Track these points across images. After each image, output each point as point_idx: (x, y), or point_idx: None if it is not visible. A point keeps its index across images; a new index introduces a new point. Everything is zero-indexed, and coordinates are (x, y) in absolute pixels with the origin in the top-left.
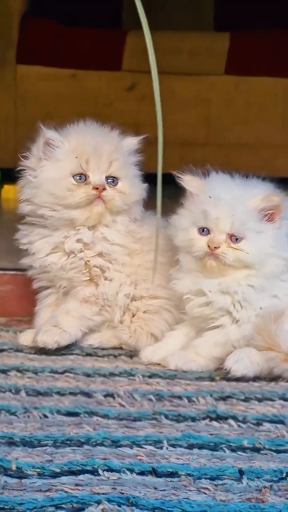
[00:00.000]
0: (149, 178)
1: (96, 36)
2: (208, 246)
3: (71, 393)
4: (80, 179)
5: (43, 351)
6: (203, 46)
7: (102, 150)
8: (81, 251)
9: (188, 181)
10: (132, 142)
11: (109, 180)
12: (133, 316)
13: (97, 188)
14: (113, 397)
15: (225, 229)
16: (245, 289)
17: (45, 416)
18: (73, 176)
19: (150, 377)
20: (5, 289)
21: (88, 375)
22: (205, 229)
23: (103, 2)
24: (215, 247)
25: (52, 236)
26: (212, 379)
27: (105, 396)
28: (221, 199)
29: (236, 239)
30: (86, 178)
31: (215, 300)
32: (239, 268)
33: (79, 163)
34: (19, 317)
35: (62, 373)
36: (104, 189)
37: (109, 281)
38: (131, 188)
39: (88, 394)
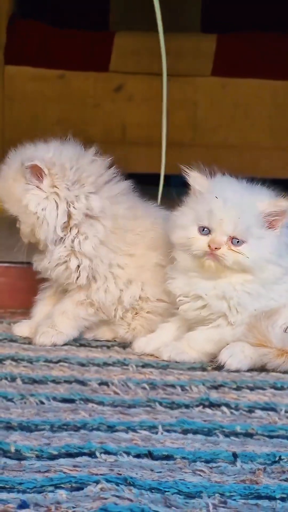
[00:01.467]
0: (140, 177)
1: (84, 37)
2: (209, 246)
3: (66, 381)
4: (203, 230)
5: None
6: (190, 47)
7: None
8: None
9: (195, 178)
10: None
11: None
12: (136, 314)
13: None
14: (108, 385)
15: (228, 231)
16: (241, 294)
17: (41, 403)
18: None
19: (143, 366)
20: None
21: (82, 365)
22: (205, 229)
23: (91, 4)
24: (215, 248)
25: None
26: (204, 369)
27: (100, 384)
28: (228, 201)
29: (237, 242)
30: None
31: (212, 304)
32: (236, 271)
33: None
34: (12, 309)
35: (56, 362)
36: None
37: (104, 288)
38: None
39: (82, 382)
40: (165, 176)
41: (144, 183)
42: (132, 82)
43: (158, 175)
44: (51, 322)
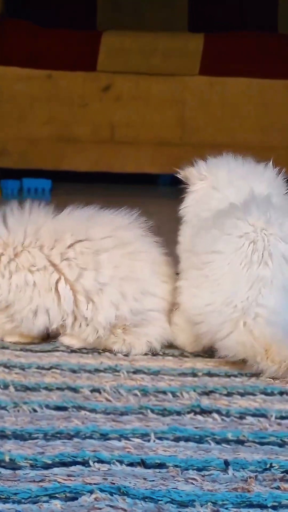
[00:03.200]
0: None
1: (71, 37)
2: None
3: (58, 388)
4: None
5: (28, 348)
6: (178, 47)
7: None
8: None
9: None
10: None
11: None
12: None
13: None
14: (99, 392)
15: None
16: None
17: (35, 411)
18: None
19: (134, 373)
20: None
21: (74, 371)
22: None
23: (78, 4)
24: None
25: None
26: (195, 374)
27: (92, 391)
28: None
29: None
30: None
31: None
32: None
33: None
34: None
35: (48, 369)
36: None
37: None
38: None
39: (75, 389)
40: (154, 175)
41: (132, 183)
42: (120, 81)
43: (147, 174)
44: None
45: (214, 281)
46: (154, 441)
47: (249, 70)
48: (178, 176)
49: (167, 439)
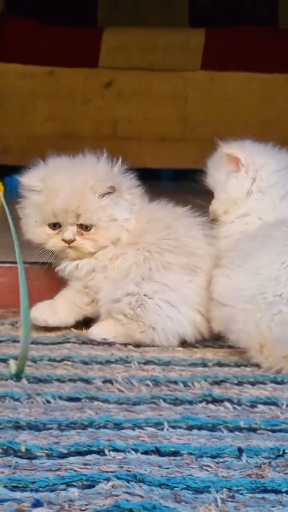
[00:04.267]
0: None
1: (73, 33)
2: None
3: (70, 380)
4: (55, 226)
5: (39, 341)
6: (179, 42)
7: (66, 208)
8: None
9: None
10: (106, 184)
11: (82, 226)
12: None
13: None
14: (112, 383)
15: None
16: None
17: (48, 402)
18: (48, 225)
19: (145, 363)
20: (1, 281)
21: (85, 363)
22: None
23: (79, 1)
24: None
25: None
26: (205, 365)
27: (104, 382)
28: None
29: None
30: (60, 225)
31: None
32: None
33: (47, 215)
34: (14, 308)
35: (60, 361)
36: (73, 240)
37: (94, 280)
38: (105, 232)
39: (87, 381)
40: (156, 170)
41: (135, 178)
42: (122, 77)
43: (149, 170)
44: (52, 303)
45: (252, 270)
46: (168, 429)
47: (251, 65)
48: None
49: (180, 427)
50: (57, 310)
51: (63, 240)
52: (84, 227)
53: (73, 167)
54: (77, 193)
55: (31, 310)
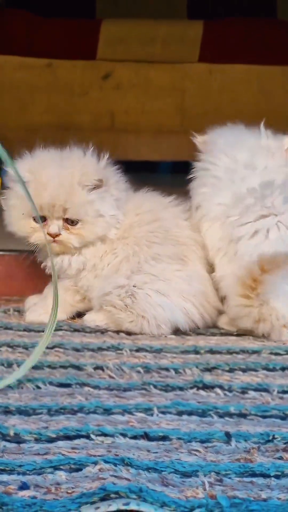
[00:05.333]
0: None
1: (71, 25)
2: None
3: (61, 366)
4: (40, 219)
5: (31, 328)
6: (177, 34)
7: (54, 202)
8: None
9: None
10: (94, 178)
11: (68, 221)
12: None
13: (50, 234)
14: (103, 370)
15: None
16: None
17: (38, 387)
18: (33, 218)
19: (137, 351)
20: None
21: (77, 350)
22: None
23: None
24: None
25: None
26: (197, 352)
27: (95, 368)
28: None
29: None
30: (46, 219)
31: None
32: None
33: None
34: (7, 296)
35: (51, 348)
36: (59, 234)
37: (84, 279)
38: (91, 227)
39: (78, 367)
40: (154, 163)
41: (133, 171)
42: (120, 69)
43: (147, 162)
44: (44, 304)
45: None
46: (157, 415)
47: (249, 57)
48: None
49: (170, 413)
50: (50, 310)
51: (48, 234)
52: (70, 222)
53: (60, 160)
54: (64, 187)
55: (26, 314)
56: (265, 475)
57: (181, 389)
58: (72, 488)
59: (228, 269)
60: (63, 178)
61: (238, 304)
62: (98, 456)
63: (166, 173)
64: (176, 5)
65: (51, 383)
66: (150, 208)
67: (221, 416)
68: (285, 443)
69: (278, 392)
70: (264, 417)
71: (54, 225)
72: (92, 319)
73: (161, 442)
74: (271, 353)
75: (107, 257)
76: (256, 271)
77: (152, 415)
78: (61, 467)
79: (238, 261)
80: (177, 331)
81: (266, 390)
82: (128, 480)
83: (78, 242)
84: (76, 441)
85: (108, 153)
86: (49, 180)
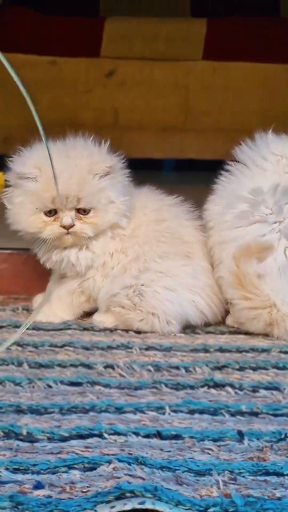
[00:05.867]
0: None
1: (75, 23)
2: None
3: (72, 365)
4: (50, 213)
5: (40, 327)
6: (181, 32)
7: (68, 190)
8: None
9: None
10: (105, 166)
11: (80, 211)
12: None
13: (65, 226)
14: (113, 368)
15: None
16: None
17: (49, 386)
18: (44, 212)
19: (146, 349)
20: (2, 267)
21: (87, 348)
22: None
23: None
24: None
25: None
26: (206, 350)
27: (105, 367)
28: None
29: None
30: (56, 212)
31: None
32: None
33: (46, 202)
34: (15, 295)
35: (61, 347)
36: (73, 225)
37: (91, 279)
38: (104, 215)
39: (88, 366)
40: (158, 160)
41: (137, 168)
42: (124, 67)
43: (151, 160)
44: (50, 306)
45: None
46: (169, 413)
47: (252, 55)
48: None
49: (181, 411)
50: (57, 313)
51: (62, 226)
52: (83, 211)
53: (65, 151)
54: (76, 177)
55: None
56: (278, 474)
57: (192, 387)
58: (87, 487)
59: (221, 272)
60: (72, 169)
61: (242, 307)
62: (112, 455)
63: (169, 170)
64: (180, 3)
65: (62, 382)
66: (155, 207)
67: (232, 414)
68: None
69: None
70: (276, 415)
71: (68, 217)
72: (100, 320)
73: (173, 441)
74: (280, 352)
75: (118, 256)
76: (233, 267)
77: (164, 413)
78: (75, 466)
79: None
80: (186, 329)
81: (277, 388)
82: (143, 479)
83: (92, 231)
84: (89, 440)
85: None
86: (59, 173)
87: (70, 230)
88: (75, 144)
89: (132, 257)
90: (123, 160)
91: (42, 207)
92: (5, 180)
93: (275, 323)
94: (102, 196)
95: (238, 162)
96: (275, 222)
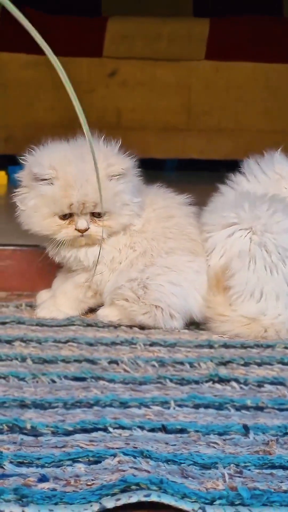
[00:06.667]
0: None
1: (77, 23)
2: None
3: (76, 361)
4: (65, 216)
5: (44, 323)
6: (183, 32)
7: (86, 197)
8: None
9: None
10: (120, 168)
11: (95, 214)
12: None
13: (80, 230)
14: (117, 364)
15: None
16: None
17: (53, 381)
18: (58, 216)
19: (151, 345)
20: (5, 264)
21: (90, 344)
22: None
23: None
24: None
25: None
26: (211, 346)
27: (109, 362)
28: None
29: None
30: (72, 215)
31: None
32: None
33: (63, 207)
34: (19, 291)
35: (65, 342)
36: (87, 228)
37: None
38: (118, 218)
39: (92, 361)
40: (160, 160)
41: (139, 168)
42: (126, 67)
43: (153, 160)
44: (53, 301)
45: None
46: (174, 408)
47: (255, 55)
48: None
49: (186, 406)
50: (61, 308)
51: (77, 230)
52: (97, 214)
53: (80, 154)
54: (93, 184)
55: (37, 310)
56: (284, 467)
57: (196, 382)
58: (92, 480)
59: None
60: (89, 174)
61: (234, 327)
62: (117, 448)
63: (171, 170)
64: (182, 3)
65: (66, 377)
66: (165, 204)
67: (237, 409)
68: None
69: None
70: (281, 410)
71: (83, 220)
72: (105, 314)
73: (179, 435)
74: (285, 347)
75: (127, 251)
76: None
77: (168, 408)
78: (80, 459)
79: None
80: (190, 325)
81: (282, 383)
82: (148, 472)
83: (106, 234)
84: (94, 434)
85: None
86: (76, 179)
87: (84, 233)
88: (87, 145)
89: (139, 252)
90: (135, 160)
91: (58, 212)
92: (18, 180)
93: (267, 330)
94: (117, 200)
95: (241, 173)
96: (247, 229)
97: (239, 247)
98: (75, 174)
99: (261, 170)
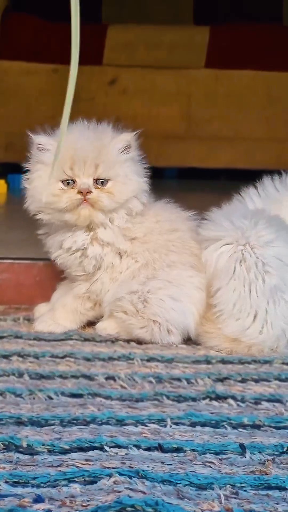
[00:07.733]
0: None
1: None
2: None
3: (73, 376)
4: (68, 183)
5: (41, 337)
6: (183, 39)
7: (86, 155)
8: (77, 251)
9: None
10: (124, 139)
11: (98, 182)
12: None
13: (82, 192)
14: (114, 380)
15: None
16: None
17: (50, 398)
18: (62, 181)
19: (148, 360)
20: (2, 277)
21: (88, 359)
22: None
23: None
24: None
25: (56, 234)
26: (208, 362)
27: (106, 378)
28: None
29: None
30: (74, 182)
31: None
32: None
33: (64, 167)
34: (16, 305)
35: (62, 357)
36: (89, 192)
37: (99, 281)
38: (122, 186)
39: (89, 377)
40: (159, 168)
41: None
42: (126, 75)
43: (153, 168)
44: (52, 315)
45: None
46: (171, 426)
47: (255, 63)
48: None
49: (183, 424)
50: (59, 321)
51: (79, 192)
52: (100, 183)
53: (86, 126)
54: (95, 144)
55: (35, 324)
56: (280, 488)
57: (193, 399)
58: (87, 501)
59: None
60: (92, 137)
61: (220, 342)
62: (113, 468)
63: (171, 179)
64: (182, 11)
65: (62, 393)
66: (169, 218)
67: (234, 427)
68: None
69: None
70: (278, 428)
71: (84, 181)
72: (103, 327)
73: (175, 454)
74: (283, 363)
75: (127, 260)
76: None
77: (165, 426)
78: (76, 479)
79: None
80: (187, 341)
81: (279, 400)
82: (144, 493)
83: (109, 202)
84: (90, 453)
85: None
86: (80, 135)
87: (87, 197)
88: (94, 124)
89: (141, 263)
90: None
91: (60, 175)
92: (8, 187)
93: (252, 346)
94: (120, 169)
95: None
96: (231, 243)
97: (222, 263)
98: (77, 137)
99: (275, 188)
